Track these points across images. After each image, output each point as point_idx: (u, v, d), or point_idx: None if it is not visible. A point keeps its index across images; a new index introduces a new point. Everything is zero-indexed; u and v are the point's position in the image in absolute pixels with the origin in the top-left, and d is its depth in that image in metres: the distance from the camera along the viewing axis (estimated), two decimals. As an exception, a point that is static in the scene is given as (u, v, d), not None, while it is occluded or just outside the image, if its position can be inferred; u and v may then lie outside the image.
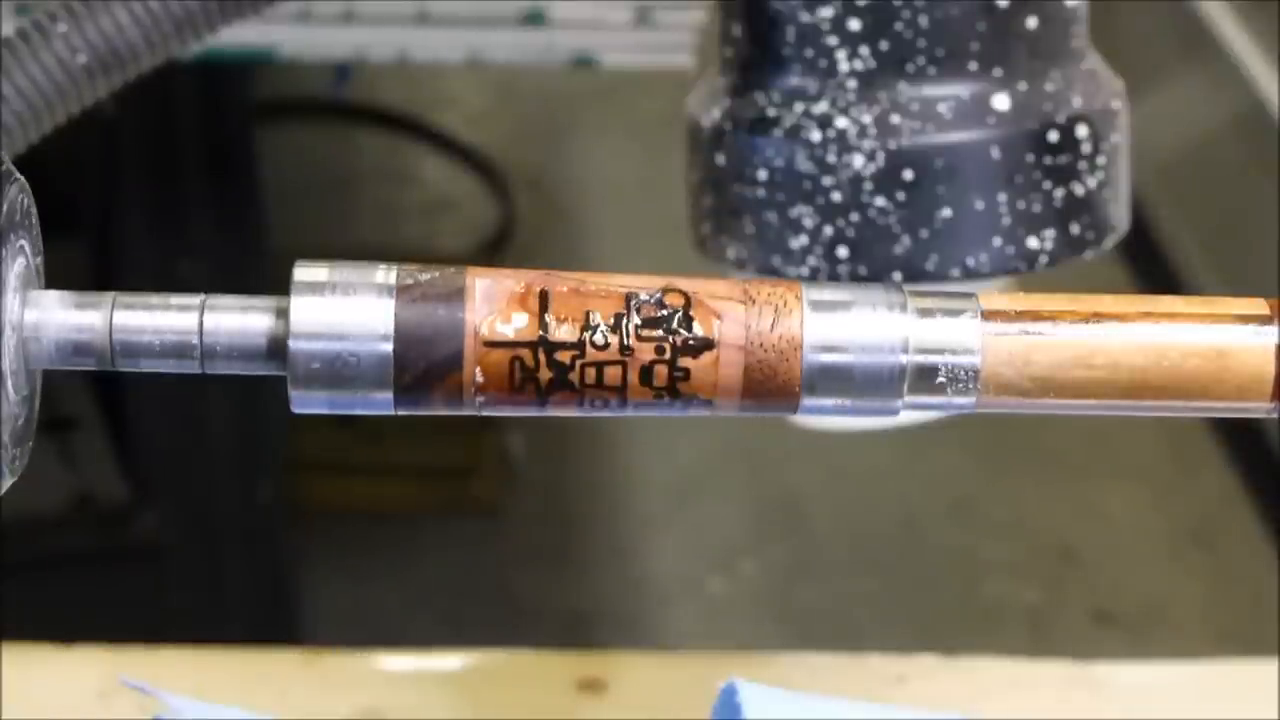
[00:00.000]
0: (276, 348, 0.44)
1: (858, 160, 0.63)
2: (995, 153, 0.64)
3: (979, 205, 0.64)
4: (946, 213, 0.63)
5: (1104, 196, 0.66)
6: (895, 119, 0.63)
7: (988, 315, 0.44)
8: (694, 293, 0.44)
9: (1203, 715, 0.76)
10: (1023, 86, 0.64)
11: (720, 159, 0.66)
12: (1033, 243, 0.64)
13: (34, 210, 0.45)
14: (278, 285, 0.44)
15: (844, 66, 0.64)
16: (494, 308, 0.44)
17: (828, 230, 0.64)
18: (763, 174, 0.65)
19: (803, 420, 0.66)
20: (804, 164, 0.64)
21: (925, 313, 0.44)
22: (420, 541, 1.92)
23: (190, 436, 1.51)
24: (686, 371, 0.44)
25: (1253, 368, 0.44)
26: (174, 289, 0.44)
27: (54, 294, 0.44)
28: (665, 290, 0.44)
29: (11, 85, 0.56)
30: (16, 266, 0.44)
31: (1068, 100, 0.65)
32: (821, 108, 0.64)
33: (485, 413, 0.44)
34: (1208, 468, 1.96)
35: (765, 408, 0.45)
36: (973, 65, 0.64)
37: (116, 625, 0.90)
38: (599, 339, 0.44)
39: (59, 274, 0.46)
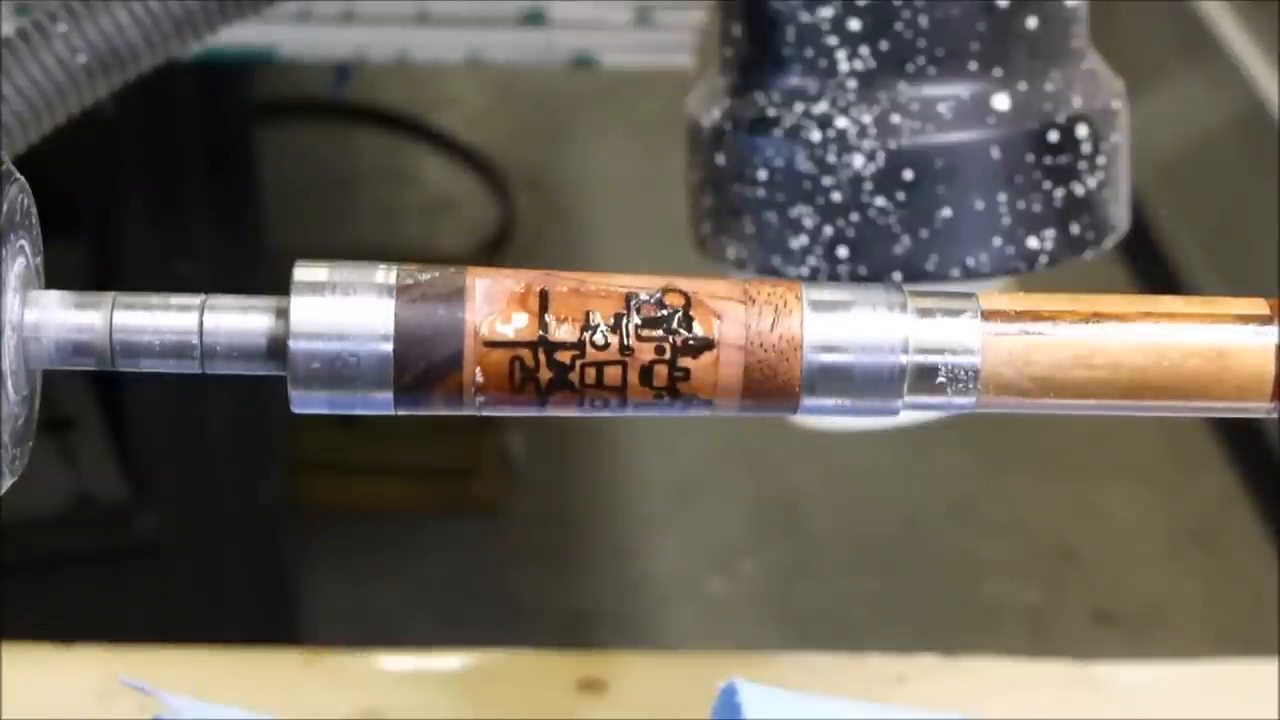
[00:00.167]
0: (276, 348, 0.44)
1: (858, 160, 0.63)
2: (995, 153, 0.64)
3: (979, 205, 0.64)
4: (946, 213, 0.63)
5: (1104, 196, 0.66)
6: (895, 119, 0.63)
7: (988, 315, 0.44)
8: (694, 293, 0.44)
9: (1203, 715, 0.76)
10: (1023, 86, 0.64)
11: (720, 159, 0.66)
12: (1033, 243, 0.64)
13: (34, 210, 0.45)
14: (278, 285, 0.44)
15: (844, 66, 0.64)
16: (494, 308, 0.44)
17: (828, 230, 0.64)
18: (763, 174, 0.65)
19: (803, 420, 0.66)
20: (804, 164, 0.64)
21: (925, 313, 0.44)
22: (420, 541, 1.92)
23: (190, 436, 1.51)
24: (686, 371, 0.44)
25: (1253, 368, 0.44)
26: (174, 289, 0.44)
27: (54, 294, 0.44)
28: (665, 290, 0.44)
29: (11, 85, 0.56)
30: (16, 266, 0.44)
31: (1068, 100, 0.65)
32: (821, 108, 0.64)
33: (485, 413, 0.44)
34: (1208, 468, 1.96)
35: (765, 408, 0.45)
36: (973, 65, 0.64)
37: (116, 625, 0.90)
38: (599, 339, 0.44)
39: (59, 274, 0.46)
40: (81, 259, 1.54)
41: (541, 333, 0.44)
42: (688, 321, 0.44)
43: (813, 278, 0.64)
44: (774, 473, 2.02)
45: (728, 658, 0.96)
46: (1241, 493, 1.89)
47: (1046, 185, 0.64)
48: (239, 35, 0.77)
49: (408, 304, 0.43)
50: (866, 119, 0.63)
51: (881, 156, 0.63)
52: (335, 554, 1.88)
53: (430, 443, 1.92)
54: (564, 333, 0.44)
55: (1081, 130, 0.65)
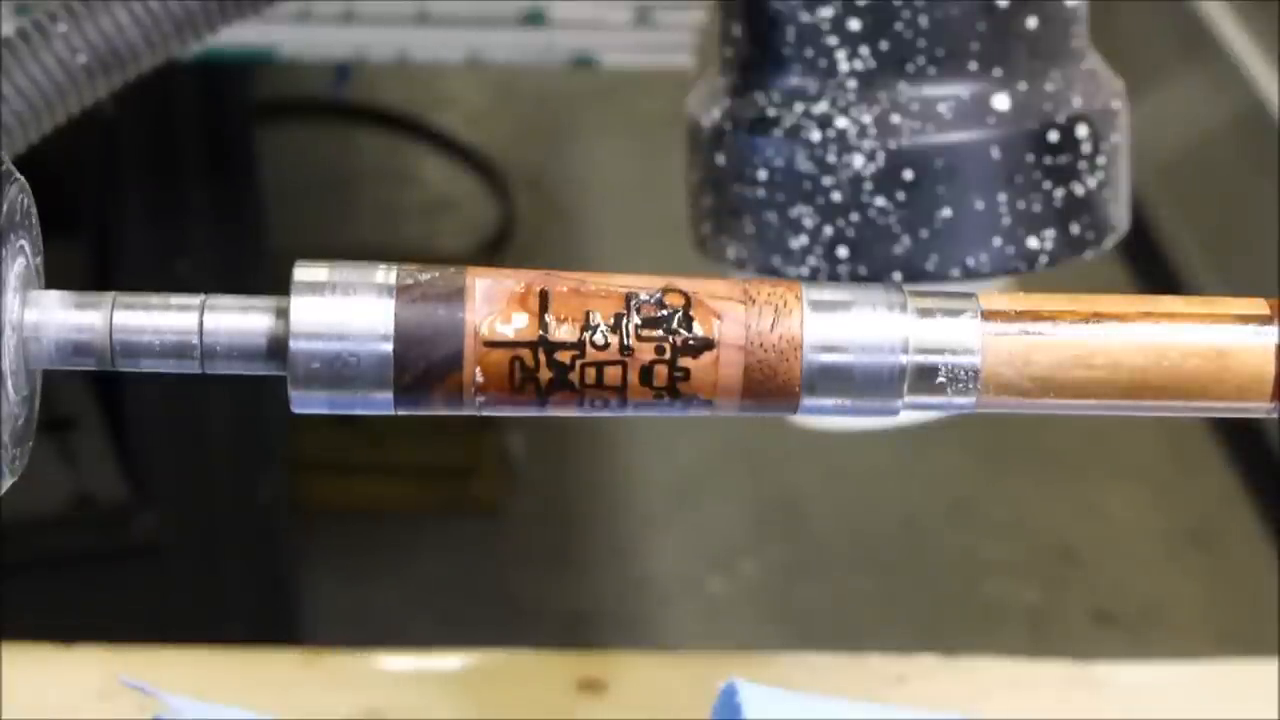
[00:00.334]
0: (276, 348, 0.44)
1: (858, 160, 0.63)
2: (995, 153, 0.64)
3: (979, 205, 0.64)
4: (946, 213, 0.63)
5: (1104, 196, 0.66)
6: (895, 119, 0.63)
7: (988, 315, 0.44)
8: (694, 293, 0.44)
9: (1203, 715, 0.76)
10: (1023, 86, 0.64)
11: (720, 159, 0.66)
12: (1033, 243, 0.64)
13: (34, 210, 0.45)
14: (278, 285, 0.44)
15: (844, 66, 0.64)
16: (494, 308, 0.44)
17: (828, 230, 0.64)
18: (763, 174, 0.65)
19: (803, 420, 0.66)
20: (804, 164, 0.64)
21: (925, 313, 0.44)
22: (420, 541, 1.92)
23: (190, 436, 1.51)
24: (686, 371, 0.44)
25: (1253, 368, 0.44)
26: (174, 289, 0.44)
27: (54, 294, 0.44)
28: (665, 290, 0.44)
29: (11, 85, 0.56)
30: (16, 266, 0.44)
31: (1068, 100, 0.65)
32: (821, 108, 0.64)
33: (485, 413, 0.44)
34: (1208, 468, 1.96)
35: (765, 408, 0.45)
36: (973, 65, 0.64)
37: (116, 625, 0.90)
38: (599, 339, 0.44)
39: (59, 274, 0.46)
40: (81, 259, 1.54)
41: (541, 333, 0.44)
42: (688, 321, 0.44)
43: (813, 278, 0.64)
44: (774, 473, 2.02)
45: (728, 658, 0.96)
46: (1241, 493, 1.90)
47: (1046, 185, 0.64)
48: (239, 35, 0.77)
49: (408, 304, 0.43)
50: (866, 119, 0.63)
51: (881, 156, 0.63)
52: (335, 554, 1.88)
53: (430, 443, 1.92)
54: (564, 333, 0.44)
55: (1081, 130, 0.65)
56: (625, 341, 0.44)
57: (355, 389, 0.44)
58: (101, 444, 1.55)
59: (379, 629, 1.81)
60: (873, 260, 0.64)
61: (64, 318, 0.44)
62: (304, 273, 0.44)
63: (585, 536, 1.97)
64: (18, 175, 0.44)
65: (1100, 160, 0.65)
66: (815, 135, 0.64)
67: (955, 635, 1.79)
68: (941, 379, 0.44)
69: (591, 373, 0.44)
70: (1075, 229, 0.65)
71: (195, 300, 0.44)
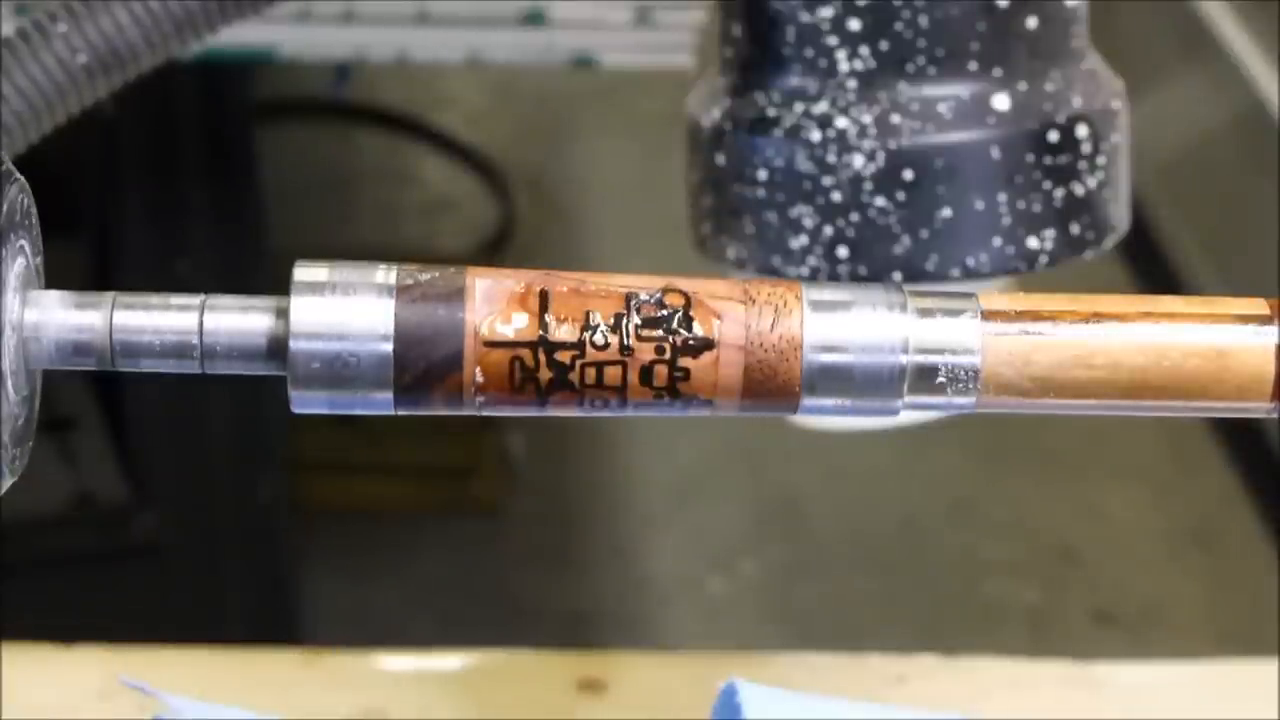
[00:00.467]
0: (276, 348, 0.44)
1: (858, 160, 0.63)
2: (995, 153, 0.64)
3: (979, 205, 0.64)
4: (946, 213, 0.63)
5: (1104, 196, 0.66)
6: (895, 119, 0.63)
7: (988, 315, 0.44)
8: (694, 293, 0.44)
9: (1203, 715, 0.76)
10: (1023, 86, 0.64)
11: (720, 159, 0.66)
12: (1033, 243, 0.64)
13: (34, 210, 0.45)
14: (278, 285, 0.44)
15: (844, 66, 0.64)
16: (494, 308, 0.44)
17: (828, 230, 0.64)
18: (763, 174, 0.65)
19: (803, 420, 0.66)
20: (804, 164, 0.64)
21: (925, 313, 0.44)
22: (420, 541, 1.92)
23: (190, 436, 1.51)
24: (686, 371, 0.44)
25: (1253, 368, 0.44)
26: (174, 289, 0.44)
27: (54, 294, 0.44)
28: (665, 290, 0.44)
29: (11, 85, 0.56)
30: (16, 266, 0.44)
31: (1068, 100, 0.65)
32: (821, 108, 0.64)
33: (485, 413, 0.44)
34: (1208, 468, 1.96)
35: (765, 408, 0.45)
36: (973, 65, 0.64)
37: (116, 625, 0.90)
38: (599, 339, 0.44)
39: (59, 274, 0.46)
40: (81, 259, 1.54)
41: (541, 333, 0.44)
42: (688, 321, 0.44)
43: (813, 278, 0.64)
44: (774, 473, 2.02)
45: (728, 658, 0.96)
46: (1241, 493, 1.90)
47: (1046, 185, 0.64)
48: (239, 35, 0.77)
49: (408, 304, 0.43)
50: (866, 119, 0.63)
51: (881, 156, 0.63)
52: (335, 554, 1.88)
53: (430, 443, 1.92)
54: (564, 333, 0.44)
55: (1081, 130, 0.65)
56: (625, 341, 0.44)
57: (355, 389, 0.44)
58: (101, 444, 1.55)
59: (379, 629, 1.81)
60: (873, 260, 0.64)
61: (64, 318, 0.44)
62: (304, 273, 0.44)
63: (585, 536, 1.97)
64: (18, 175, 0.44)
65: (1100, 160, 0.65)
66: (815, 135, 0.64)
67: (955, 635, 1.79)
68: (941, 379, 0.44)
69: (591, 373, 0.44)
70: (1075, 229, 0.65)
71: (195, 300, 0.44)
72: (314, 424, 1.70)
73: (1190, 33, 1.89)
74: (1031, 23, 0.64)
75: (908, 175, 0.63)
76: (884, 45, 0.63)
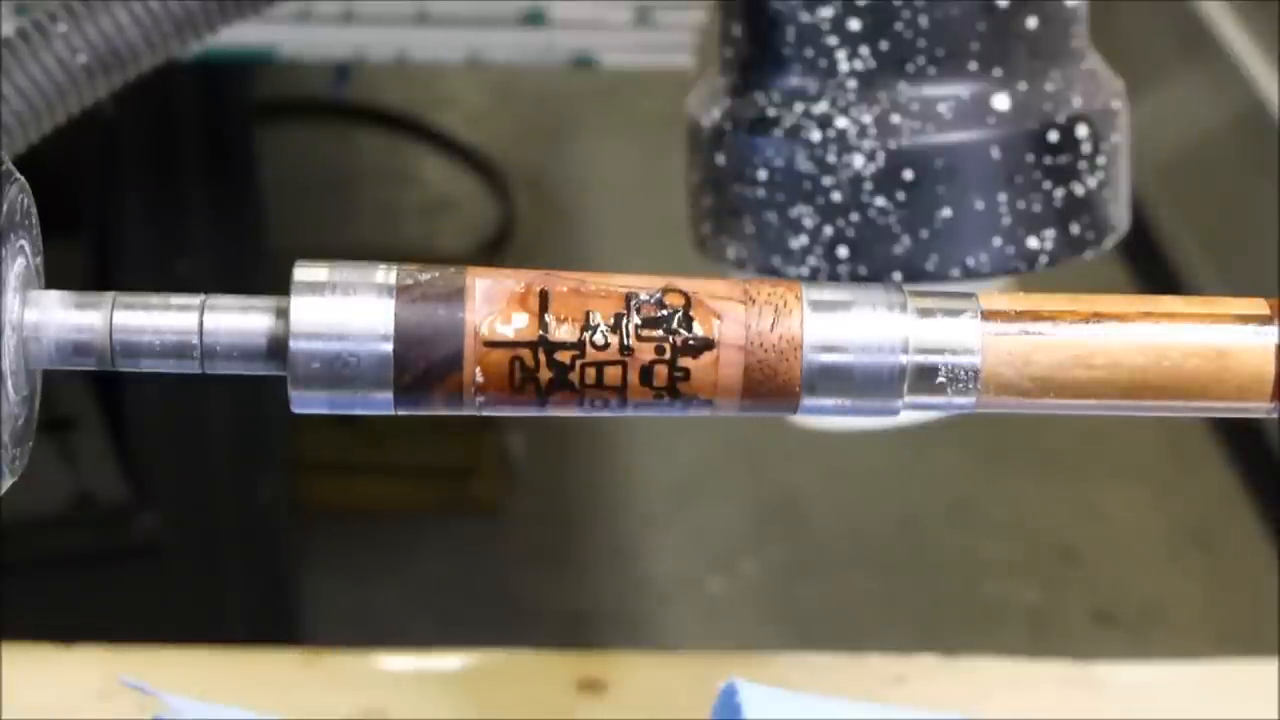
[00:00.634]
0: (276, 348, 0.44)
1: (858, 160, 0.63)
2: (995, 153, 0.64)
3: (979, 205, 0.64)
4: (946, 213, 0.63)
5: (1104, 196, 0.66)
6: (895, 119, 0.63)
7: (988, 315, 0.44)
8: (694, 293, 0.44)
9: (1203, 715, 0.76)
10: (1023, 86, 0.64)
11: (720, 159, 0.66)
12: (1033, 243, 0.64)
13: (34, 210, 0.45)
14: (278, 285, 0.44)
15: (844, 66, 0.64)
16: (494, 308, 0.44)
17: (828, 230, 0.64)
18: (763, 174, 0.65)
19: (803, 420, 0.66)
20: (804, 164, 0.64)
21: (925, 313, 0.44)
22: (420, 541, 1.92)
23: (190, 436, 1.51)
24: (686, 371, 0.44)
25: (1253, 368, 0.44)
26: (174, 289, 0.44)
27: (54, 294, 0.44)
28: (665, 290, 0.44)
29: (11, 85, 0.56)
30: (16, 266, 0.44)
31: (1068, 100, 0.65)
32: (821, 108, 0.64)
33: (485, 413, 0.44)
34: (1208, 468, 1.96)
35: (765, 408, 0.45)
36: (973, 65, 0.64)
37: (116, 625, 0.90)
38: (599, 339, 0.44)
39: (59, 274, 0.46)
40: (81, 259, 1.54)
41: (541, 333, 0.44)
42: (688, 321, 0.44)
43: (813, 278, 0.64)
44: (774, 473, 2.02)
45: (728, 658, 0.96)
46: (1241, 493, 1.89)
47: (1046, 185, 0.64)
48: (239, 35, 0.77)
49: (408, 304, 0.43)
50: (866, 119, 0.63)
51: (881, 156, 0.63)
52: (335, 554, 1.88)
53: (430, 443, 1.92)
54: (564, 333, 0.44)
55: (1081, 130, 0.65)
56: (625, 341, 0.44)
57: (355, 389, 0.44)
58: (101, 444, 1.55)
59: (379, 629, 1.81)
60: (873, 260, 0.64)
61: (64, 318, 0.44)
62: (304, 273, 0.44)
63: (585, 536, 1.97)
64: (18, 175, 0.44)
65: (1100, 160, 0.65)
66: (815, 135, 0.64)
67: (955, 635, 1.79)
68: (941, 379, 0.44)
69: (591, 373, 0.44)
70: (1075, 229, 0.65)
71: (195, 300, 0.44)
72: (314, 424, 1.70)
73: (1190, 33, 1.89)
74: (1031, 23, 0.64)
75: (908, 175, 0.63)
76: (884, 45, 0.63)
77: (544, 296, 0.44)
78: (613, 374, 0.44)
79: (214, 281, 0.63)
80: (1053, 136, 0.64)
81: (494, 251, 2.19)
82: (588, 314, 0.44)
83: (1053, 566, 1.93)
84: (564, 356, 0.44)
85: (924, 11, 0.63)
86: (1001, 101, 0.64)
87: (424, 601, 1.86)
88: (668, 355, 0.44)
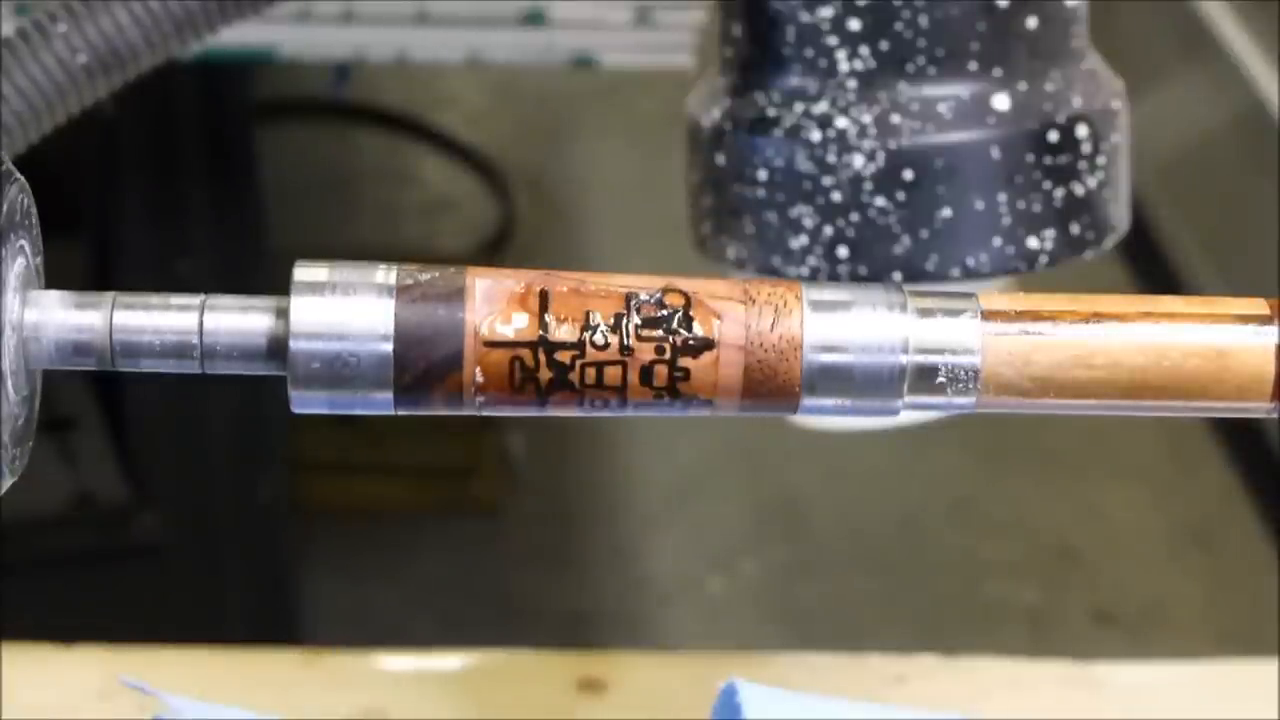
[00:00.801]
0: (276, 348, 0.44)
1: (858, 160, 0.63)
2: (995, 153, 0.64)
3: (979, 205, 0.64)
4: (946, 213, 0.63)
5: (1104, 196, 0.66)
6: (895, 119, 0.63)
7: (988, 315, 0.44)
8: (694, 293, 0.44)
9: (1203, 715, 0.76)
10: (1023, 86, 0.64)
11: (720, 159, 0.66)
12: (1033, 243, 0.64)
13: (34, 210, 0.45)
14: (278, 285, 0.44)
15: (844, 66, 0.64)
16: (494, 308, 0.44)
17: (828, 230, 0.64)
18: (763, 174, 0.65)
19: (803, 420, 0.66)
20: (804, 164, 0.64)
21: (925, 313, 0.44)
22: (420, 541, 1.92)
23: (190, 436, 1.51)
24: (686, 371, 0.44)
25: (1253, 368, 0.44)
26: (174, 289, 0.44)
27: (54, 294, 0.44)
28: (665, 290, 0.44)
29: (11, 85, 0.56)
30: (16, 266, 0.44)
31: (1068, 100, 0.65)
32: (821, 108, 0.64)
33: (485, 413, 0.44)
34: (1208, 468, 1.96)
35: (765, 408, 0.45)
36: (973, 65, 0.64)
37: (116, 625, 0.90)
38: (599, 339, 0.44)
39: (59, 274, 0.46)
40: (81, 259, 1.54)
41: (541, 333, 0.44)
42: (688, 321, 0.44)
43: (813, 278, 0.64)
44: (774, 473, 2.02)
45: (728, 658, 0.96)
46: (1241, 493, 1.89)
47: (1046, 185, 0.64)
48: (239, 35, 0.77)
49: (408, 304, 0.43)
50: (866, 119, 0.63)
51: (881, 156, 0.63)
52: (335, 554, 1.88)
53: (430, 443, 1.92)
54: (564, 333, 0.44)
55: (1081, 130, 0.65)
56: (625, 341, 0.44)
57: (355, 389, 0.44)
58: (101, 444, 1.55)
59: (379, 629, 1.81)
60: (873, 260, 0.64)
61: (64, 318, 0.44)
62: (304, 273, 0.44)
63: (585, 536, 1.97)
64: (18, 175, 0.44)
65: (1100, 160, 0.65)
66: (815, 135, 0.64)
67: (955, 635, 1.79)
68: (941, 379, 0.44)
69: (591, 373, 0.44)
70: (1075, 229, 0.65)
71: (195, 300, 0.44)
72: (314, 424, 1.70)
73: (1190, 33, 1.89)
74: (1031, 23, 0.64)
75: (908, 175, 0.63)
76: (884, 45, 0.63)
77: (544, 296, 0.44)
78: (613, 374, 0.44)
79: (214, 281, 0.64)
80: (1053, 136, 0.64)
81: (494, 251, 2.19)
82: (588, 314, 0.44)
83: (1052, 566, 1.93)
84: (564, 356, 0.44)
85: (924, 11, 0.63)
86: (1001, 101, 0.64)
87: (424, 601, 1.86)
88: (668, 355, 0.44)
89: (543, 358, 0.44)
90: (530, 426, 1.96)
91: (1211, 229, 1.89)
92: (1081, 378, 0.44)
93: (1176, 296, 0.45)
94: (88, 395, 1.56)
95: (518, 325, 0.44)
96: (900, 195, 0.63)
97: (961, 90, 0.64)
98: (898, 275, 0.64)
